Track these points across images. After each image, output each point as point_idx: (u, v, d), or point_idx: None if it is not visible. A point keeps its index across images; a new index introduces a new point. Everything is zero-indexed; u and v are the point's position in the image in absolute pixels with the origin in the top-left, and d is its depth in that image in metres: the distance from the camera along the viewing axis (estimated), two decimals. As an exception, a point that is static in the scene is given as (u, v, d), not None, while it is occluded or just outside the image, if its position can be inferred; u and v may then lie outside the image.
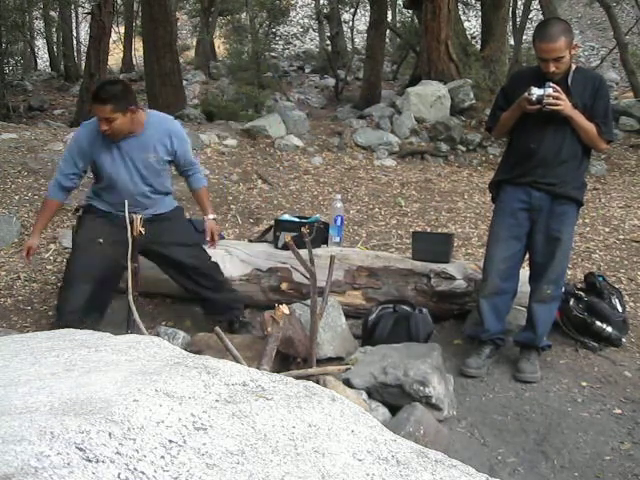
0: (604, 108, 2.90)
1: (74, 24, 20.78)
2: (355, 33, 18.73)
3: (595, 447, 2.49)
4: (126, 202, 3.17)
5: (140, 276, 3.21)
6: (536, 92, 2.77)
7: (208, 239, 3.36)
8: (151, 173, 3.15)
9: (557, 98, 2.77)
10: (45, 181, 5.84)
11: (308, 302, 2.80)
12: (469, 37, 12.95)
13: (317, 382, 2.33)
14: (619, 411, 2.74)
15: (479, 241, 4.99)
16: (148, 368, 1.30)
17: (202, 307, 3.54)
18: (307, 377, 2.25)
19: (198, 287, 3.35)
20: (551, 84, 2.78)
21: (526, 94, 2.80)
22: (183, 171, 3.35)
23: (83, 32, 21.70)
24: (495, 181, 3.17)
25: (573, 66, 2.91)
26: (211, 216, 3.40)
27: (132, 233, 3.10)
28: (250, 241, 4.28)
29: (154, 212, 3.22)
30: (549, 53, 2.76)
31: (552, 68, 2.79)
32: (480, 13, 13.25)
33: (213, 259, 3.47)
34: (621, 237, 5.01)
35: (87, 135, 3.06)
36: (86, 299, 3.04)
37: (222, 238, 4.19)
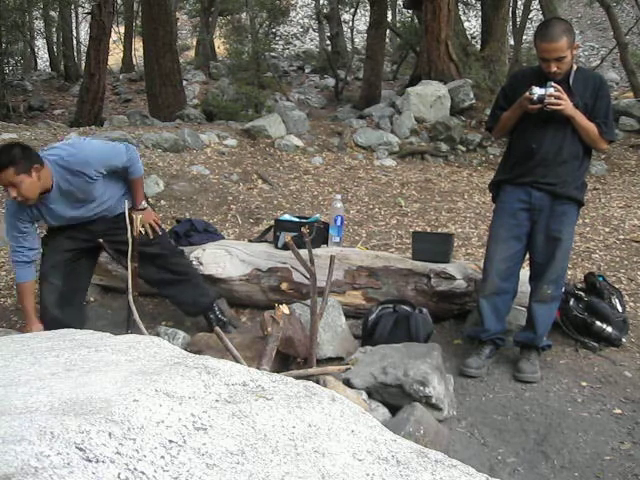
0: (605, 108, 2.90)
1: (74, 24, 20.78)
2: (355, 33, 18.72)
3: (595, 447, 2.49)
4: (126, 202, 3.18)
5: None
6: (537, 91, 2.77)
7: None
8: (92, 198, 3.07)
9: (559, 98, 2.76)
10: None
11: (308, 302, 2.79)
12: (469, 37, 12.95)
13: (317, 382, 2.33)
14: (619, 411, 2.74)
15: (479, 241, 4.99)
16: (148, 368, 1.30)
17: (172, 297, 3.47)
18: (307, 377, 2.25)
19: (163, 273, 3.32)
20: (552, 84, 2.77)
21: (527, 93, 2.79)
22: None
23: (83, 32, 21.71)
24: (495, 181, 3.17)
25: (574, 66, 2.90)
26: (141, 206, 3.29)
27: (132, 233, 3.10)
28: (250, 241, 4.28)
29: (115, 214, 3.18)
30: (551, 53, 2.76)
31: (554, 68, 2.79)
32: (480, 13, 13.25)
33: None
34: (621, 237, 5.01)
35: (16, 205, 2.92)
36: (59, 293, 3.09)
37: (222, 238, 4.19)
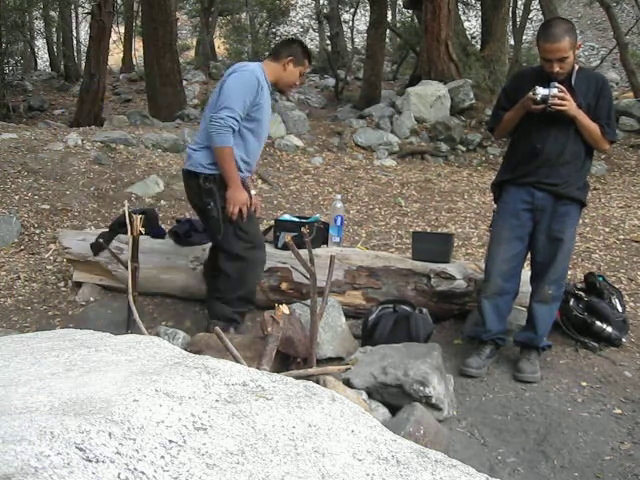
0: (607, 108, 2.90)
1: (74, 24, 20.78)
2: (355, 33, 18.73)
3: (595, 447, 2.49)
4: (126, 202, 3.18)
5: (140, 275, 3.21)
6: (541, 92, 2.77)
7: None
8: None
9: (562, 98, 2.76)
10: (45, 181, 5.84)
11: (308, 302, 2.79)
12: (469, 37, 12.95)
13: (317, 382, 2.33)
14: (619, 411, 2.74)
15: (479, 241, 4.99)
16: (148, 368, 1.30)
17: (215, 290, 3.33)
18: (307, 377, 2.25)
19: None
20: (556, 84, 2.77)
21: (531, 94, 2.79)
22: None
23: (83, 32, 21.72)
24: (497, 182, 3.17)
25: (576, 66, 2.90)
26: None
27: (132, 233, 3.10)
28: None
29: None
30: (553, 53, 2.76)
31: (556, 68, 2.78)
32: (480, 13, 13.25)
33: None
34: (621, 237, 5.01)
35: (261, 79, 3.02)
36: None
37: None
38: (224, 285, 3.20)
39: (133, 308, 2.60)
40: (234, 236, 3.13)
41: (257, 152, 3.21)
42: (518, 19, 14.22)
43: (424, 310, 3.26)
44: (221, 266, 3.21)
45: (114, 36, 15.36)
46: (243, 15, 19.64)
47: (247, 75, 3.00)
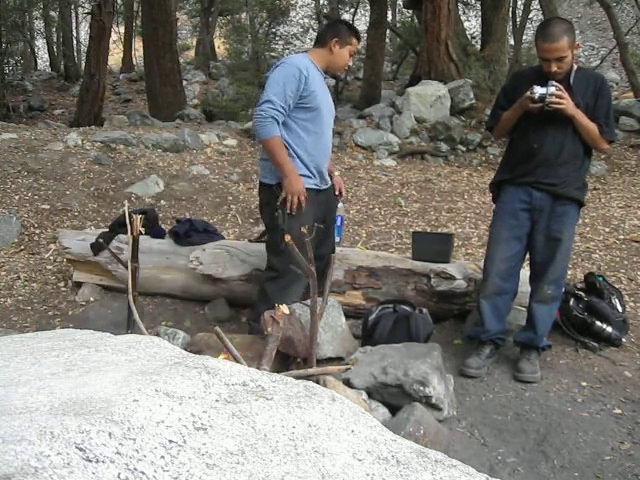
0: (606, 108, 2.90)
1: (74, 24, 20.79)
2: (355, 33, 18.65)
3: (595, 447, 2.49)
4: (126, 202, 3.18)
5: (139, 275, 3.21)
6: (539, 91, 2.77)
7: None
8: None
9: (560, 97, 2.76)
10: (45, 181, 5.84)
11: (308, 302, 2.79)
12: (469, 37, 12.95)
13: (317, 382, 2.33)
14: (619, 411, 2.74)
15: (479, 241, 4.99)
16: (148, 368, 1.30)
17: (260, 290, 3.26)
18: (307, 377, 2.25)
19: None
20: (554, 83, 2.77)
21: (528, 93, 2.79)
22: None
23: (83, 32, 21.73)
24: (496, 181, 3.17)
25: (575, 66, 2.90)
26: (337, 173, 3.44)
27: (132, 233, 3.10)
28: (250, 241, 4.28)
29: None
30: (551, 53, 2.76)
31: (554, 68, 2.79)
32: (480, 13, 13.25)
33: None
34: (621, 237, 5.01)
35: (304, 67, 2.97)
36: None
37: (222, 238, 4.19)
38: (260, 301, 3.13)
39: (133, 308, 2.60)
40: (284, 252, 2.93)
41: (323, 141, 3.10)
42: (518, 19, 14.22)
43: (424, 310, 3.26)
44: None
45: (114, 36, 15.37)
46: (243, 15, 19.63)
47: (287, 66, 2.98)
